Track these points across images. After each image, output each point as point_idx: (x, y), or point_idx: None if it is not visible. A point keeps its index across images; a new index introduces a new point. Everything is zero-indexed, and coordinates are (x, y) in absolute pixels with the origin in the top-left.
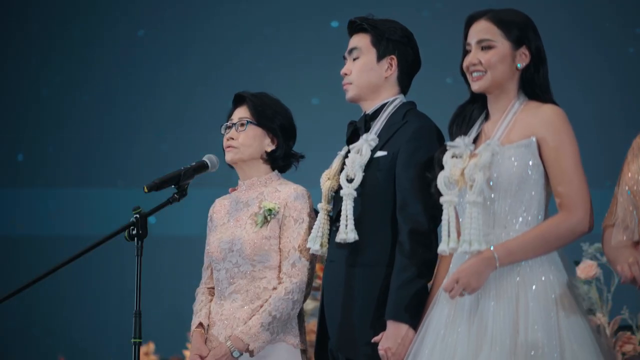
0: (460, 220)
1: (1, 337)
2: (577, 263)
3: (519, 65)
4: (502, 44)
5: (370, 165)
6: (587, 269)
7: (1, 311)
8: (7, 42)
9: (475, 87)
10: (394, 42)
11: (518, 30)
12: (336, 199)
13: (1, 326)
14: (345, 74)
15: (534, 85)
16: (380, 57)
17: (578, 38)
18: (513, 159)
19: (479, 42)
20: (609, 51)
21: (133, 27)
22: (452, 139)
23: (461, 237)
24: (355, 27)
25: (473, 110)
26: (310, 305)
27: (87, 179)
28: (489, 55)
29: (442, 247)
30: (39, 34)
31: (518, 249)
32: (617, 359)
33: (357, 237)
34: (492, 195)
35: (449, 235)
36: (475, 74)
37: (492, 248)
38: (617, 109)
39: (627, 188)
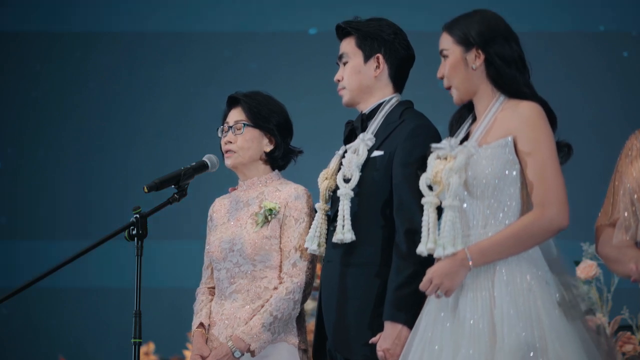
0: None
1: (1, 337)
2: (577, 263)
3: (473, 66)
4: (453, 51)
5: (367, 165)
6: (587, 269)
7: (1, 311)
8: (5, 41)
9: (453, 100)
10: (380, 40)
11: (467, 33)
12: (334, 198)
13: (1, 326)
14: (338, 81)
15: (502, 82)
16: (367, 58)
17: (577, 39)
18: (490, 159)
19: (440, 53)
20: (605, 54)
21: (132, 25)
22: (452, 136)
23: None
24: (341, 32)
25: (465, 110)
26: (311, 305)
27: (87, 181)
28: (446, 66)
29: (420, 248)
30: (38, 32)
31: (490, 249)
32: (617, 359)
33: (354, 238)
34: (470, 197)
35: (428, 236)
36: (449, 90)
37: (466, 249)
38: (616, 110)
39: (629, 187)
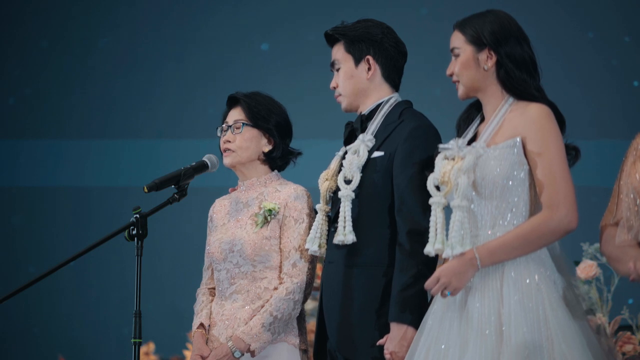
0: None
1: (1, 336)
2: (577, 263)
3: (485, 67)
4: (465, 50)
5: (368, 166)
6: (587, 269)
7: (1, 311)
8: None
9: (458, 94)
10: (367, 41)
11: (480, 33)
12: (334, 199)
13: (1, 326)
14: (334, 88)
15: (512, 85)
16: (357, 61)
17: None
18: (498, 160)
19: (451, 51)
20: (596, 58)
21: (132, 26)
22: (459, 137)
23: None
24: (330, 39)
25: (474, 110)
26: (310, 305)
27: (87, 181)
28: (457, 63)
29: (428, 248)
30: (36, 30)
31: (499, 249)
32: (617, 359)
33: (355, 239)
34: (478, 197)
35: (435, 236)
36: (456, 84)
37: (474, 249)
38: (616, 111)
39: (632, 187)
